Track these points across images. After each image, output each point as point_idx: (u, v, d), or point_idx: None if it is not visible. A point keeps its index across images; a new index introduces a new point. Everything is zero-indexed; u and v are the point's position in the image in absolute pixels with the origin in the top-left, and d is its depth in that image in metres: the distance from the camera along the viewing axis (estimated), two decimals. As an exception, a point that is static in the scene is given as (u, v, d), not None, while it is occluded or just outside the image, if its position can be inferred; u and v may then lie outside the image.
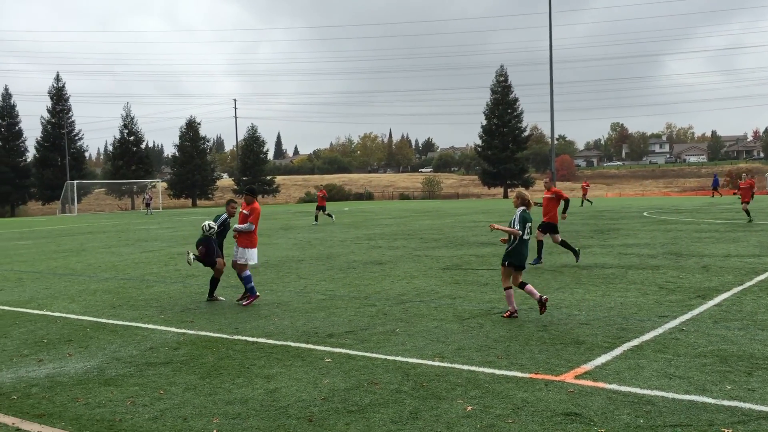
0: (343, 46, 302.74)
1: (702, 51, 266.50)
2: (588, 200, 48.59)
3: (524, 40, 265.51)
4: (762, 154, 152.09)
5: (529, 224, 9.53)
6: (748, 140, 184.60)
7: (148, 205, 61.64)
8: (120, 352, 8.16)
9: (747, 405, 5.65)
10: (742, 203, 26.49)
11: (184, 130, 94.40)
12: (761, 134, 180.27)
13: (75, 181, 73.09)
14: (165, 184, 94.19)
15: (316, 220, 33.31)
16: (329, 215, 33.94)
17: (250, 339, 8.63)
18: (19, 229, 39.58)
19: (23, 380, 7.09)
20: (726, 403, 5.72)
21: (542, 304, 9.20)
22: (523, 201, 9.62)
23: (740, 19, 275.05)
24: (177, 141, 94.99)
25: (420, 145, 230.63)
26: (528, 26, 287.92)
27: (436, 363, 7.21)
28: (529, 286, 9.43)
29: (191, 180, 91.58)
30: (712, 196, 57.61)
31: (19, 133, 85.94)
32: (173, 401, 6.22)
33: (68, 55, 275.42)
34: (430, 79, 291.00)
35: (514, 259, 9.44)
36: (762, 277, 12.33)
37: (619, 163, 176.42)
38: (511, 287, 9.48)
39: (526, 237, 9.46)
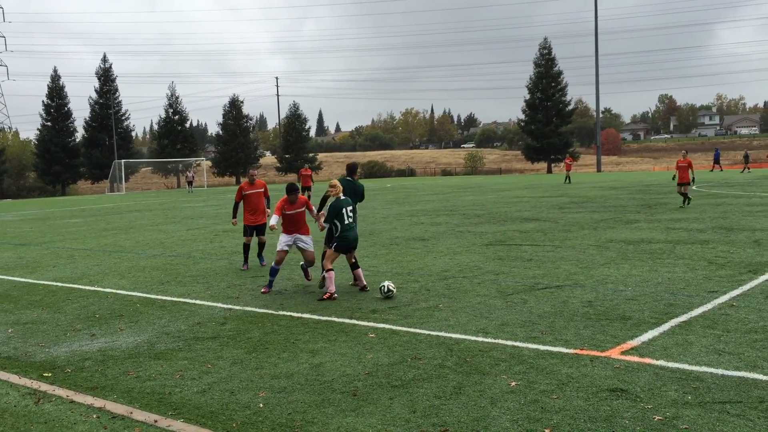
0: (387, 21, 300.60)
1: (755, 19, 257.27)
2: (569, 178, 46.03)
3: (570, 12, 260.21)
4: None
5: (347, 208, 9.89)
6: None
7: (190, 183, 62.58)
8: (169, 327, 8.35)
9: (800, 382, 5.51)
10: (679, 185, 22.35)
11: (227, 108, 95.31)
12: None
13: (122, 161, 74.54)
14: (209, 163, 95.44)
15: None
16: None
17: (294, 314, 8.74)
18: (69, 207, 40.66)
19: (77, 354, 7.32)
20: (778, 380, 5.58)
21: (362, 288, 10.02)
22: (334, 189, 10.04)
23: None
24: (221, 119, 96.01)
25: (462, 120, 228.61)
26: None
27: (480, 338, 7.20)
28: (358, 271, 10.12)
29: (235, 158, 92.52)
30: (712, 170, 55.89)
31: (69, 113, 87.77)
32: (220, 375, 6.35)
33: (117, 36, 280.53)
34: (473, 53, 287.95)
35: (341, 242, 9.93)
36: (817, 251, 11.95)
37: (666, 136, 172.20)
38: (332, 269, 9.83)
39: (347, 222, 9.90)
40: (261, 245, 13.37)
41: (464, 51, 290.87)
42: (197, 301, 9.89)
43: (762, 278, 9.80)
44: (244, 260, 13.12)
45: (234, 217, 13.71)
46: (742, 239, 13.82)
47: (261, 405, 5.52)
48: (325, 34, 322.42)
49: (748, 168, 53.10)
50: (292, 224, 10.74)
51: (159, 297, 10.35)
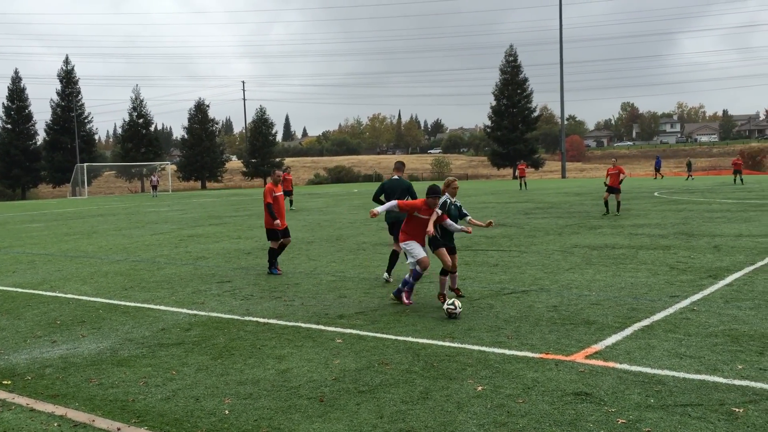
0: (355, 26, 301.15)
1: (716, 29, 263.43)
2: (525, 184, 46.49)
3: (535, 20, 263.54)
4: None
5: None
6: (761, 119, 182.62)
7: (154, 187, 61.87)
8: (132, 333, 8.22)
9: (758, 384, 5.64)
10: (608, 191, 22.23)
11: (193, 112, 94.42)
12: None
13: (85, 164, 73.30)
14: (174, 167, 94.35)
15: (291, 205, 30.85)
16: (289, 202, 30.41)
17: (261, 320, 8.68)
18: (30, 211, 39.82)
19: (37, 361, 7.16)
20: (737, 382, 5.71)
21: None
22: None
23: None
24: (186, 123, 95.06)
25: (429, 126, 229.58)
26: (540, 5, 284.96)
27: (447, 343, 7.23)
28: None
29: (200, 162, 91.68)
30: (655, 178, 57.19)
31: (30, 116, 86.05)
32: (185, 382, 6.27)
33: (81, 38, 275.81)
34: (440, 60, 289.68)
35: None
36: (774, 256, 12.25)
37: (629, 143, 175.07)
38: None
39: None
40: (283, 249, 12.72)
41: (431, 57, 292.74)
42: (161, 307, 9.75)
43: (721, 283, 10.02)
44: (271, 265, 12.44)
45: (275, 218, 12.31)
46: (702, 245, 14.10)
47: (226, 411, 5.46)
48: (292, 39, 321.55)
49: (692, 175, 54.64)
50: (419, 230, 9.25)
51: (122, 303, 10.19)
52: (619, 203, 22.34)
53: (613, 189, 22.08)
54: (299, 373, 6.39)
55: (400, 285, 9.38)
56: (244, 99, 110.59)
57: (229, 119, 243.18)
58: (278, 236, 12.51)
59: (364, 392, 5.80)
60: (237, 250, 16.12)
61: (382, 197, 11.25)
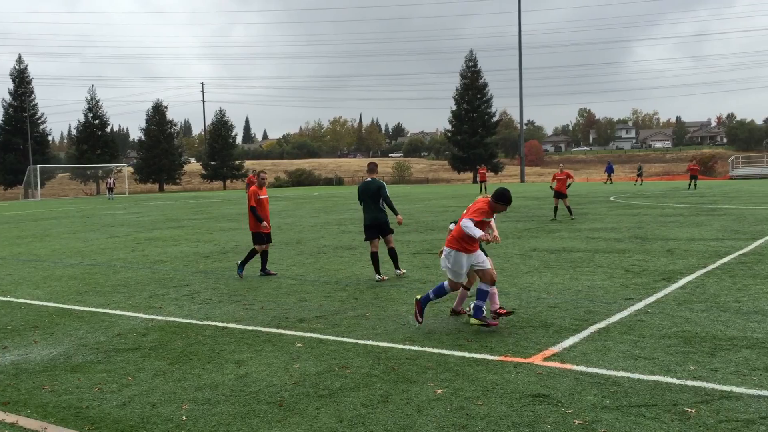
0: (316, 29, 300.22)
1: (669, 37, 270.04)
2: (485, 187, 46.88)
3: (496, 26, 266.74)
4: (725, 140, 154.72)
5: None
6: (712, 126, 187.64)
7: (110, 189, 60.76)
8: (87, 339, 8.05)
9: (710, 385, 5.78)
10: (555, 196, 22.34)
11: (150, 113, 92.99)
12: (725, 120, 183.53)
13: (38, 166, 71.58)
14: (131, 169, 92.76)
15: None
16: None
17: (220, 324, 8.58)
18: (-20, 214, 38.71)
19: (-13, 368, 6.96)
20: (690, 383, 5.84)
21: None
22: None
23: (708, 5, 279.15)
24: (144, 125, 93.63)
25: (390, 129, 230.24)
26: (500, 11, 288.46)
27: (407, 347, 7.24)
28: None
29: (158, 164, 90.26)
30: (605, 183, 58.57)
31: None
32: (141, 388, 6.16)
33: (35, 37, 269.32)
34: (401, 64, 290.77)
35: None
36: (724, 260, 12.60)
37: (586, 148, 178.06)
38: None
39: None
40: (266, 254, 12.60)
41: (393, 61, 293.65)
42: (117, 312, 9.57)
43: (675, 286, 10.25)
44: (242, 266, 12.34)
45: (261, 221, 12.30)
46: (656, 248, 14.42)
47: (184, 418, 5.39)
48: (254, 41, 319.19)
49: (641, 180, 56.01)
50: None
51: (76, 307, 9.97)
52: (569, 207, 22.62)
53: (560, 194, 22.30)
54: (258, 378, 6.33)
55: (474, 312, 7.94)
56: (204, 101, 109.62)
57: (188, 121, 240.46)
58: (264, 239, 12.43)
59: (324, 396, 5.77)
60: (196, 254, 15.92)
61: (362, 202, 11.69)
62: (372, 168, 11.88)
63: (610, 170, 59.97)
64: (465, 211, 8.11)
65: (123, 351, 7.46)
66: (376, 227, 11.55)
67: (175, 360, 7.02)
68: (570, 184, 22.46)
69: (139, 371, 6.68)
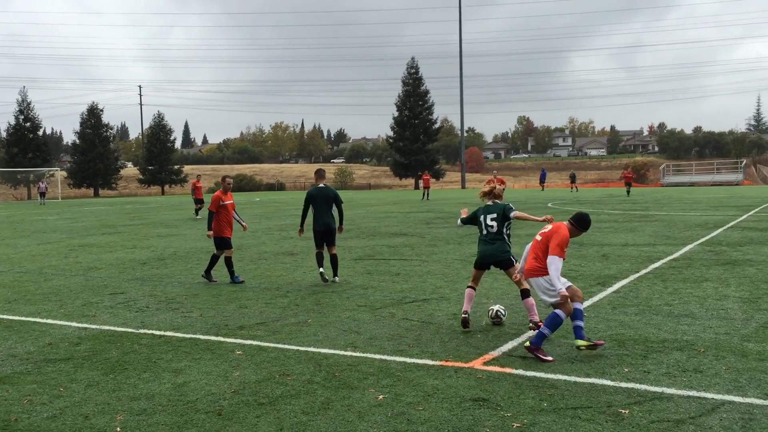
0: (258, 33, 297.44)
1: (605, 48, 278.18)
2: (427, 194, 47.86)
3: (438, 33, 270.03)
4: (657, 148, 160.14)
5: (490, 216, 8.26)
6: (644, 135, 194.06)
7: (42, 194, 58.78)
8: (16, 349, 7.75)
9: (643, 386, 5.95)
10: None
11: (85, 116, 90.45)
12: (656, 129, 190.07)
13: (-35, 169, 68.70)
14: (64, 173, 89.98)
15: (198, 214, 30.02)
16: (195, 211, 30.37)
17: (157, 332, 8.38)
18: None
19: None
20: (623, 384, 6.01)
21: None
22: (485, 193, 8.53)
23: (641, 18, 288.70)
24: (78, 128, 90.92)
25: (332, 135, 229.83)
26: (441, 20, 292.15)
27: (349, 353, 7.23)
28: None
29: (93, 169, 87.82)
30: (542, 190, 60.34)
31: None
32: (74, 399, 5.97)
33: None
34: (343, 70, 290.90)
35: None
36: (656, 264, 13.02)
37: (525, 155, 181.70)
38: (470, 287, 8.41)
39: (483, 233, 8.31)
40: (226, 261, 12.31)
41: (335, 67, 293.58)
42: (49, 321, 9.25)
43: (609, 290, 10.54)
44: (230, 275, 12.11)
45: (210, 228, 12.24)
46: (591, 254, 14.79)
47: (118, 429, 5.23)
48: (194, 44, 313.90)
49: (576, 187, 57.57)
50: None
51: (5, 317, 9.59)
52: None
53: None
54: (197, 387, 6.21)
55: (535, 339, 6.96)
56: (141, 104, 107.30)
57: (125, 124, 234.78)
58: (230, 244, 12.25)
59: (264, 404, 5.70)
60: (132, 260, 15.54)
61: (313, 208, 11.75)
62: (322, 174, 12.06)
63: (543, 177, 61.55)
64: (540, 237, 7.37)
65: (54, 361, 7.21)
66: (328, 233, 11.69)
67: (110, 370, 6.83)
68: (503, 191, 22.87)
69: (72, 382, 6.46)
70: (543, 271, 7.16)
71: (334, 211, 11.80)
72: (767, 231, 18.79)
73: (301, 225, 12.18)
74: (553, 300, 7.07)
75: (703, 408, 5.42)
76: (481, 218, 8.31)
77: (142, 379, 6.48)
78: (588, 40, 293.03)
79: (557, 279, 6.94)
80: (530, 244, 7.56)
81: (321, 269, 11.64)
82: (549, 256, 7.05)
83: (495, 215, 8.22)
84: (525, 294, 8.00)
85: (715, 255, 14.15)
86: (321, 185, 11.76)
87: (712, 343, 7.34)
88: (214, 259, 12.28)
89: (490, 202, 8.45)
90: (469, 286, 8.42)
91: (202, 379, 6.43)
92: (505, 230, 8.25)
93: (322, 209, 11.61)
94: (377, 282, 11.76)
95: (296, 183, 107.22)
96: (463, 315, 8.17)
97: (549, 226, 7.43)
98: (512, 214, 8.17)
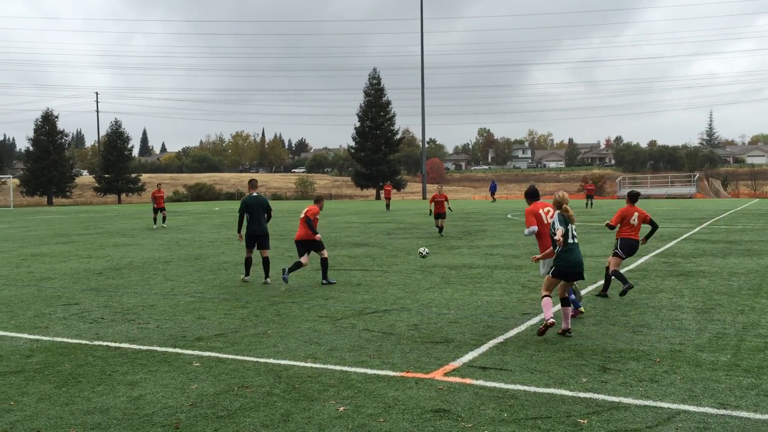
0: (219, 42, 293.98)
1: (564, 63, 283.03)
2: (388, 205, 47.67)
3: (399, 45, 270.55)
4: (613, 161, 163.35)
5: (574, 226, 8.45)
6: (601, 148, 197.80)
7: None
8: (-37, 362, 7.49)
9: (600, 396, 6.03)
10: (436, 217, 23.24)
11: (39, 123, 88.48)
12: (613, 142, 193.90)
13: None
14: (17, 181, 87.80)
15: (156, 223, 29.92)
16: (162, 218, 30.06)
17: (112, 344, 8.20)
18: None
19: None
20: (582, 395, 6.07)
21: (562, 331, 8.34)
22: (557, 204, 8.55)
23: (599, 33, 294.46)
24: (32, 135, 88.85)
25: (293, 145, 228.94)
26: (403, 31, 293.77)
27: (309, 364, 7.17)
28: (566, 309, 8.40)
29: (47, 176, 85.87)
30: (493, 201, 61.35)
31: None
32: (25, 413, 5.79)
33: None
34: (305, 80, 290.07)
35: (560, 264, 8.36)
36: (613, 275, 13.21)
37: (485, 167, 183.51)
38: (548, 295, 8.42)
39: (570, 241, 8.33)
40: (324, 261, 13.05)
41: (296, 77, 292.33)
42: (-1, 332, 8.97)
43: (568, 300, 10.65)
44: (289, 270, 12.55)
45: (315, 232, 12.70)
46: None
47: (71, 444, 5.09)
48: (153, 51, 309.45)
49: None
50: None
51: (-48, 328, 9.27)
52: (442, 227, 23.19)
53: (440, 215, 23.06)
54: (153, 400, 6.08)
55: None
56: (98, 111, 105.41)
57: (81, 132, 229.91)
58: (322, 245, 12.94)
59: (222, 417, 5.61)
60: (86, 270, 15.20)
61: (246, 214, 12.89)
62: (255, 184, 13.25)
63: (493, 189, 62.45)
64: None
65: (4, 374, 6.99)
66: (261, 237, 12.86)
67: (63, 383, 6.64)
68: (450, 208, 23.49)
69: (23, 395, 6.27)
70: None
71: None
72: (719, 243, 19.27)
73: (240, 229, 13.11)
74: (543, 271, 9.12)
75: (659, 417, 5.51)
76: (569, 227, 8.37)
77: (96, 392, 6.32)
78: (548, 54, 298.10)
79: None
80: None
81: (246, 277, 12.96)
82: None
83: (574, 226, 8.53)
84: (565, 302, 8.38)
85: (669, 266, 14.45)
86: (254, 194, 12.91)
87: (667, 353, 7.47)
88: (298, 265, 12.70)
89: (559, 212, 8.50)
90: (547, 295, 8.39)
91: (159, 392, 6.30)
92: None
93: (257, 215, 12.79)
94: (338, 293, 11.70)
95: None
96: (551, 321, 8.14)
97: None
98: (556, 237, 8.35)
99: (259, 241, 12.84)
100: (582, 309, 9.39)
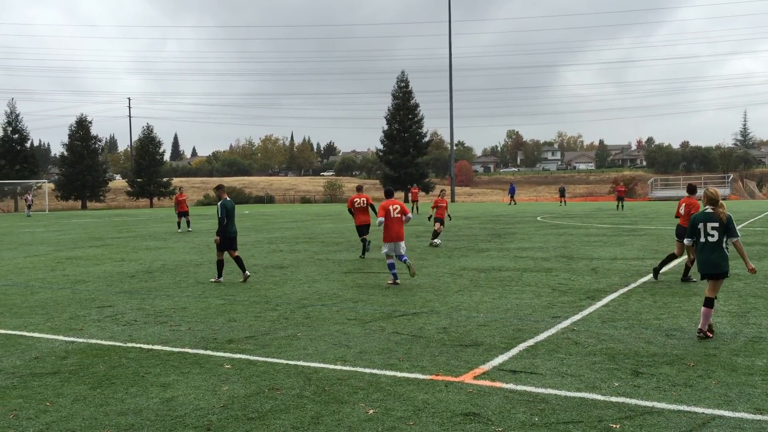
0: (250, 46, 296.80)
1: (594, 63, 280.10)
2: (417, 207, 46.43)
3: (428, 48, 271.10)
4: (645, 163, 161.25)
5: (711, 225, 8.20)
6: (633, 149, 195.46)
7: (29, 206, 58.40)
8: (2, 363, 7.66)
9: (633, 401, 5.95)
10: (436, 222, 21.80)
11: (74, 128, 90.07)
12: (644, 144, 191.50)
13: (-49, 181, 68.13)
14: (52, 185, 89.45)
15: (180, 227, 30.07)
16: (186, 223, 30.13)
17: (145, 346, 8.31)
18: None
19: None
20: (614, 399, 6.00)
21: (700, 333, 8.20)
22: (708, 200, 8.32)
23: (631, 33, 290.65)
24: (66, 140, 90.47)
25: (322, 148, 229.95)
26: (432, 34, 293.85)
27: (338, 367, 7.19)
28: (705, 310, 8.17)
29: (81, 181, 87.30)
30: (509, 204, 60.63)
31: None
32: (61, 413, 5.89)
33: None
34: (333, 83, 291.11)
35: (699, 266, 8.28)
36: (645, 278, 13.06)
37: (514, 169, 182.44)
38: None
39: (702, 240, 8.20)
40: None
41: (325, 80, 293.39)
42: (35, 334, 9.15)
43: (599, 304, 10.55)
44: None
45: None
46: (581, 267, 14.82)
47: (106, 444, 5.17)
48: (186, 56, 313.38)
49: (564, 201, 57.90)
50: None
51: (-9, 330, 9.48)
52: (439, 232, 21.65)
53: (439, 219, 21.66)
54: (185, 401, 6.15)
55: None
56: (130, 116, 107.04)
57: (114, 137, 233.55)
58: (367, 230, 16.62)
59: (253, 419, 5.66)
60: (120, 273, 15.43)
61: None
62: (224, 189, 14.23)
63: (512, 191, 61.98)
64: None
65: (41, 375, 7.12)
66: (235, 239, 13.99)
67: (97, 384, 6.75)
68: (449, 216, 22.72)
69: (58, 396, 6.39)
70: None
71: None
72: (755, 245, 18.91)
73: (219, 232, 13.66)
74: None
75: (693, 423, 5.42)
76: (700, 226, 8.24)
77: (129, 394, 6.41)
78: (578, 55, 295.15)
79: None
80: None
81: (221, 279, 13.82)
82: None
83: (717, 224, 8.18)
84: (709, 303, 8.18)
85: (703, 269, 14.21)
86: (228, 198, 13.87)
87: (701, 357, 7.35)
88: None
89: (710, 209, 8.28)
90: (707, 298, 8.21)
91: (191, 394, 6.37)
92: (724, 243, 8.24)
93: (232, 219, 13.89)
94: (367, 295, 11.72)
95: (285, 196, 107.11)
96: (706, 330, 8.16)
97: None
98: (734, 241, 8.24)
99: (233, 242, 13.88)
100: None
